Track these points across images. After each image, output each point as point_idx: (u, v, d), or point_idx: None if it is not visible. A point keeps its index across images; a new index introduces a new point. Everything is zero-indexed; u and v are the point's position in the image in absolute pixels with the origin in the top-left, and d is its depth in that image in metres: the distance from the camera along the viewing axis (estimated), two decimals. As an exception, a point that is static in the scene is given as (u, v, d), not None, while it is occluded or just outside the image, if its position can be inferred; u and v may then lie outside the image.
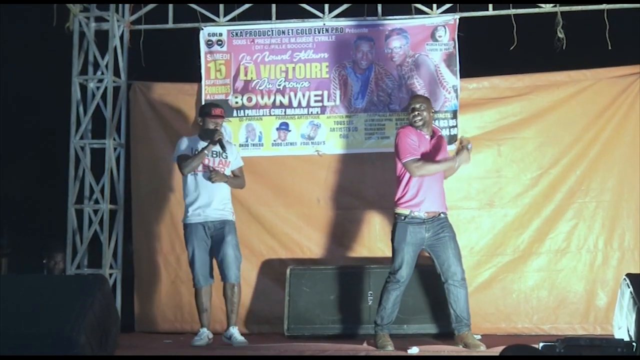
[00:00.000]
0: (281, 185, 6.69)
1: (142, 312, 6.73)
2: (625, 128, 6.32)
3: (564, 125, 6.41)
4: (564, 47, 6.39)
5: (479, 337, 5.46)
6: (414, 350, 5.08)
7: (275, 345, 5.49)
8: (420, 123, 5.39)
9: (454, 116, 6.46)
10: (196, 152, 5.72)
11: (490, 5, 6.52)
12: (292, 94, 6.69)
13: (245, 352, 5.33)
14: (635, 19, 6.29)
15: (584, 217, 6.34)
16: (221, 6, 6.80)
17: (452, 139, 6.32)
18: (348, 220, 6.59)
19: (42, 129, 8.37)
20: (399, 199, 5.35)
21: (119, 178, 6.84)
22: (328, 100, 6.65)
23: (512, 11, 6.47)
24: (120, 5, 6.89)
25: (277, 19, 6.76)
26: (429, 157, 5.34)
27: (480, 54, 6.86)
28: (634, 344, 4.25)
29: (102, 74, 6.77)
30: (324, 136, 6.63)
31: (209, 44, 6.80)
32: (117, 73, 6.84)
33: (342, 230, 6.60)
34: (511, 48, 6.38)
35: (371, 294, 6.02)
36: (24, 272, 7.45)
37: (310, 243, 6.63)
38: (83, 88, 6.89)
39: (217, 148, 5.74)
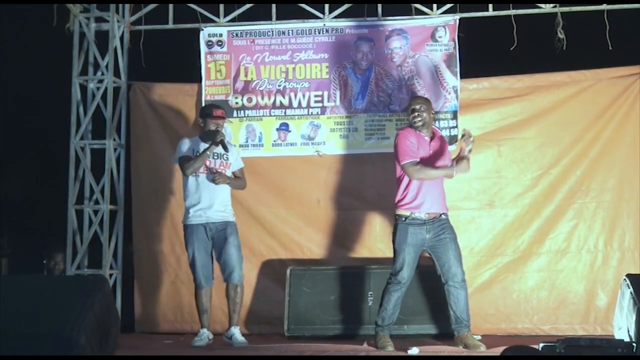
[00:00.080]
0: (281, 185, 6.69)
1: (142, 312, 6.73)
2: (625, 128, 6.32)
3: (564, 126, 6.41)
4: (564, 48, 6.39)
5: (479, 337, 5.47)
6: (414, 351, 5.08)
7: (275, 346, 5.49)
8: (420, 124, 5.39)
9: (454, 117, 6.46)
10: (198, 154, 5.72)
11: (490, 6, 6.52)
12: (292, 94, 6.69)
13: (245, 352, 5.34)
14: (635, 19, 6.29)
15: (584, 217, 6.34)
16: (221, 7, 6.80)
17: (452, 139, 6.32)
18: (348, 221, 6.59)
19: (42, 129, 8.37)
20: (400, 200, 5.35)
21: (119, 178, 6.84)
22: (328, 101, 6.65)
23: (512, 12, 6.47)
24: (121, 5, 6.89)
25: (277, 19, 6.76)
26: (428, 159, 5.34)
27: (481, 54, 6.86)
28: (634, 344, 4.25)
29: (102, 74, 6.77)
30: (324, 137, 6.63)
31: (209, 44, 6.80)
32: (117, 73, 6.84)
33: (343, 231, 6.60)
34: (511, 48, 6.38)
35: (371, 294, 6.02)
36: (24, 272, 7.46)
37: (311, 243, 6.63)
38: (83, 88, 6.89)
39: (219, 149, 5.74)
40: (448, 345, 5.34)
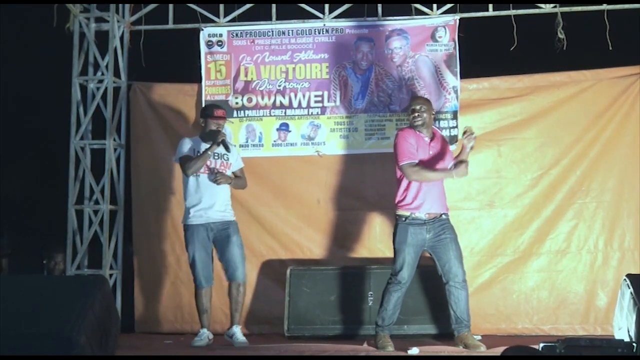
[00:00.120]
0: (281, 185, 6.69)
1: (142, 312, 6.73)
2: (625, 128, 6.32)
3: (564, 126, 6.41)
4: (564, 48, 6.39)
5: (479, 337, 5.47)
6: (414, 351, 5.08)
7: (275, 346, 5.49)
8: (420, 124, 5.39)
9: (454, 117, 6.46)
10: (199, 154, 5.72)
11: (490, 6, 6.52)
12: (292, 94, 6.69)
13: (245, 352, 5.34)
14: (635, 19, 6.29)
15: (584, 217, 6.34)
16: (221, 7, 6.79)
17: (453, 139, 6.32)
18: (348, 221, 6.59)
19: (42, 130, 8.36)
20: (400, 201, 5.35)
21: (119, 178, 6.84)
22: (328, 101, 6.65)
23: (512, 12, 6.47)
24: (121, 5, 6.89)
25: (277, 19, 6.76)
26: (428, 159, 5.34)
27: (481, 54, 6.86)
28: (634, 344, 4.25)
29: (102, 74, 6.77)
30: (324, 137, 6.63)
31: (209, 44, 6.80)
32: (117, 74, 6.84)
33: (342, 231, 6.60)
34: (511, 49, 6.38)
35: (371, 294, 6.02)
36: (24, 272, 7.45)
37: (311, 244, 6.63)
38: (83, 88, 6.89)
39: (220, 149, 5.75)
40: (448, 346, 5.34)
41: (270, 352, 5.24)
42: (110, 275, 6.65)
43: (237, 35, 6.78)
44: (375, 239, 6.53)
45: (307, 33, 6.73)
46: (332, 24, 6.70)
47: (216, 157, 5.77)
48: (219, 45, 6.79)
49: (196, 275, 5.73)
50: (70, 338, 3.86)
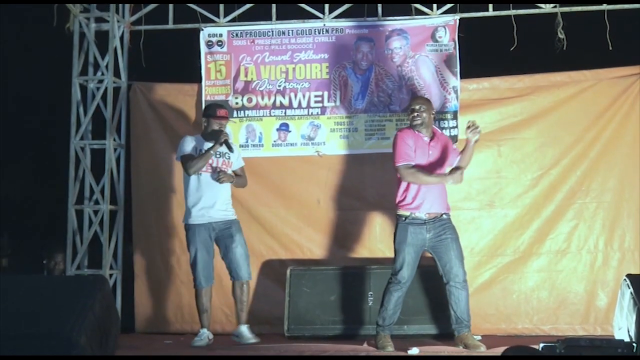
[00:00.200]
0: (281, 186, 6.69)
1: (142, 312, 6.73)
2: (625, 128, 6.32)
3: (564, 126, 6.41)
4: (564, 48, 6.38)
5: (479, 337, 5.46)
6: (414, 351, 5.08)
7: (276, 346, 5.49)
8: (419, 124, 5.39)
9: (454, 117, 6.46)
10: (201, 153, 5.72)
11: (491, 6, 6.52)
12: (292, 94, 6.69)
13: (246, 352, 5.33)
14: (635, 19, 6.29)
15: (585, 217, 6.34)
16: (221, 7, 6.79)
17: (453, 139, 6.31)
18: (348, 221, 6.59)
19: (42, 130, 8.38)
20: (400, 201, 5.36)
21: (119, 179, 6.84)
22: (328, 101, 6.65)
23: (512, 12, 6.47)
24: (121, 5, 6.89)
25: (277, 19, 6.75)
26: (427, 159, 5.34)
27: (481, 54, 6.86)
28: (634, 344, 4.25)
29: (103, 74, 6.77)
30: (324, 137, 6.63)
31: (209, 44, 6.79)
32: (117, 74, 6.84)
33: (343, 231, 6.60)
34: (511, 49, 6.38)
35: (371, 294, 6.02)
36: (24, 272, 7.45)
37: (311, 244, 6.63)
38: (83, 89, 6.89)
39: (223, 148, 5.75)
40: (448, 346, 5.34)
41: (270, 352, 5.24)
42: (110, 275, 6.65)
43: (237, 35, 6.78)
44: (375, 239, 6.53)
45: (307, 33, 6.73)
46: (332, 24, 6.70)
47: (218, 156, 5.77)
48: (219, 45, 6.79)
49: (196, 275, 5.73)
50: (70, 338, 3.86)
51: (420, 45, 6.57)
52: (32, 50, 7.96)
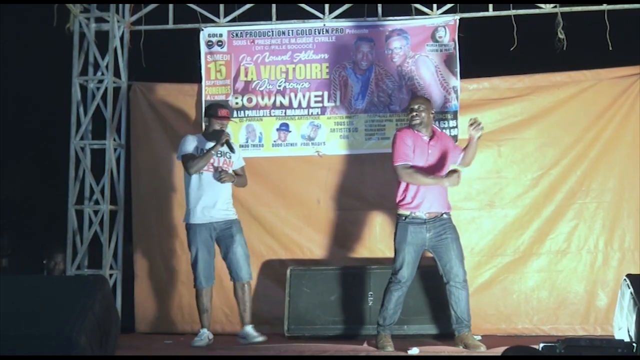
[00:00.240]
0: (281, 186, 6.69)
1: (142, 312, 6.72)
2: (625, 128, 6.32)
3: (564, 126, 6.41)
4: (564, 48, 6.38)
5: (479, 337, 5.46)
6: (414, 351, 5.08)
7: (276, 346, 5.49)
8: (418, 123, 5.39)
9: (455, 117, 6.46)
10: (202, 153, 5.73)
11: (491, 6, 6.52)
12: (292, 94, 6.69)
13: (246, 352, 5.34)
14: (635, 19, 6.29)
15: (585, 217, 6.34)
16: (221, 7, 6.79)
17: (453, 139, 6.31)
18: (348, 221, 6.59)
19: (42, 130, 8.38)
20: (400, 200, 5.37)
21: (119, 179, 6.84)
22: (328, 101, 6.65)
23: (512, 12, 6.47)
24: (121, 5, 6.89)
25: (277, 19, 6.75)
26: (426, 158, 5.34)
27: (481, 54, 6.86)
28: (634, 344, 4.25)
29: (103, 74, 6.77)
30: (324, 137, 6.63)
31: (209, 44, 6.79)
32: (117, 74, 6.84)
33: (343, 231, 6.60)
34: (511, 49, 6.38)
35: (372, 294, 6.02)
36: (24, 272, 7.45)
37: (311, 244, 6.63)
38: (83, 89, 6.89)
39: (223, 148, 5.76)
40: (448, 346, 5.34)
41: (270, 352, 5.24)
42: (110, 275, 6.65)
43: (237, 35, 6.78)
44: (375, 239, 6.53)
45: (307, 33, 6.73)
46: (332, 24, 6.70)
47: (219, 155, 5.77)
48: (219, 46, 6.79)
49: (197, 275, 5.73)
50: (70, 338, 3.86)
51: (421, 45, 6.57)
52: (32, 50, 7.96)
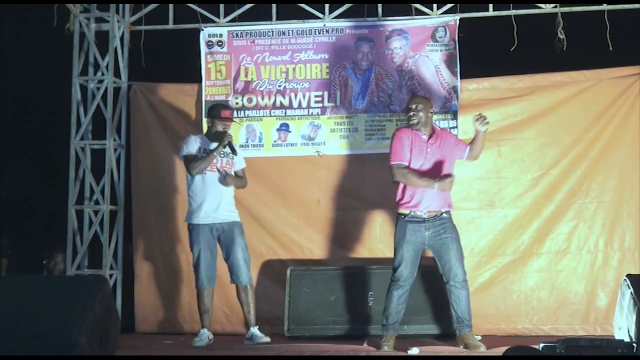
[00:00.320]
0: (281, 186, 6.69)
1: (142, 312, 6.72)
2: (625, 128, 6.32)
3: (564, 126, 6.41)
4: (564, 48, 6.38)
5: (479, 337, 5.46)
6: (414, 351, 5.08)
7: (276, 346, 5.49)
8: (416, 123, 5.39)
9: (454, 117, 6.46)
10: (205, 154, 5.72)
11: (491, 6, 6.52)
12: (292, 94, 6.69)
13: (246, 352, 5.34)
14: (635, 19, 6.29)
15: (585, 217, 6.33)
16: (221, 7, 6.79)
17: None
18: (348, 221, 6.59)
19: (42, 130, 8.37)
20: (399, 199, 5.37)
21: (119, 179, 6.84)
22: (328, 101, 6.65)
23: (512, 12, 6.47)
24: (121, 5, 6.89)
25: (277, 19, 6.75)
26: (425, 157, 5.34)
27: (481, 54, 6.86)
28: (634, 344, 4.25)
29: (103, 74, 6.77)
30: (324, 137, 6.63)
31: (209, 44, 6.79)
32: (117, 74, 6.84)
33: (343, 231, 6.60)
34: (511, 49, 6.38)
35: (372, 294, 6.02)
36: (24, 272, 7.45)
37: (311, 244, 6.63)
38: (83, 89, 6.89)
39: (226, 149, 5.75)
40: (448, 346, 5.33)
41: (270, 352, 5.24)
42: (110, 275, 6.65)
43: (237, 35, 6.78)
44: (375, 239, 6.53)
45: (307, 33, 6.73)
46: (332, 24, 6.70)
47: (222, 156, 5.77)
48: (219, 46, 6.79)
49: (199, 276, 5.73)
50: (70, 338, 3.86)
51: (421, 45, 6.57)
52: (32, 50, 7.96)
